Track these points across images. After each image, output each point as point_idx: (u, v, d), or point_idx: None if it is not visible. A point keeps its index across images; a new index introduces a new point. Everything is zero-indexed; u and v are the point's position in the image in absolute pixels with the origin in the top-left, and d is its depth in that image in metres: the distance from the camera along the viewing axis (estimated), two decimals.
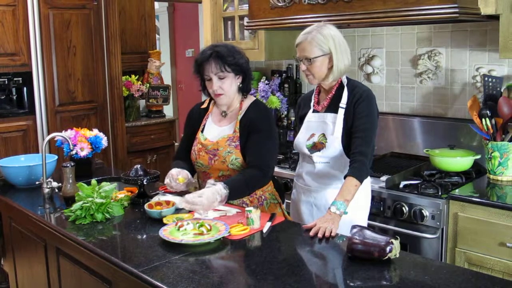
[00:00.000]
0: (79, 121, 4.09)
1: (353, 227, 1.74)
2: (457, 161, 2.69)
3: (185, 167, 2.35)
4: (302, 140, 2.35)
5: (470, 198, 2.40)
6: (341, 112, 2.24)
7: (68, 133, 2.80)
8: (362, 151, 2.14)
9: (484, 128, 2.63)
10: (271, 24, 3.06)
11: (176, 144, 4.78)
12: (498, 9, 2.43)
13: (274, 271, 1.63)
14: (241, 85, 2.35)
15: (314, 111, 2.36)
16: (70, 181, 2.37)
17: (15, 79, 3.76)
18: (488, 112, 2.61)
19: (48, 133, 3.83)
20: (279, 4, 2.97)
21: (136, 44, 4.81)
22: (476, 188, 2.58)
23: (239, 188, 2.20)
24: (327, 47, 2.19)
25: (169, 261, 1.72)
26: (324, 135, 2.28)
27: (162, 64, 4.93)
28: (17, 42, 3.72)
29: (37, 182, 2.53)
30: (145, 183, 2.34)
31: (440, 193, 2.49)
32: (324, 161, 2.28)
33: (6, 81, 3.73)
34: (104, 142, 2.89)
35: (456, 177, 2.67)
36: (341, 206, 2.01)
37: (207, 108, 2.49)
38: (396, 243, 1.67)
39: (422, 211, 2.49)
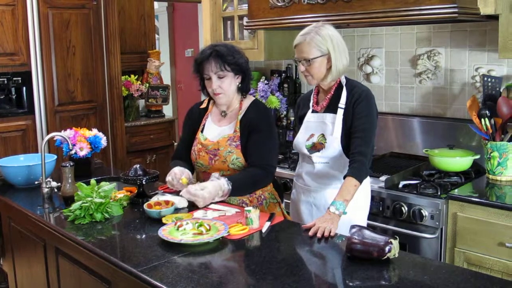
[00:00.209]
0: (79, 121, 4.09)
1: (352, 227, 1.74)
2: (456, 161, 2.69)
3: (184, 166, 2.35)
4: (301, 140, 2.35)
5: (469, 198, 2.40)
6: (340, 112, 2.24)
7: (67, 133, 2.80)
8: (361, 151, 2.14)
9: (483, 128, 2.63)
10: (271, 24, 3.06)
11: (176, 144, 4.78)
12: (498, 9, 2.43)
13: (273, 271, 1.63)
14: (240, 85, 2.35)
15: (313, 111, 2.36)
16: (69, 181, 2.37)
17: (14, 78, 3.76)
18: (487, 112, 2.61)
19: (48, 133, 3.83)
20: (279, 4, 2.97)
21: (135, 44, 4.81)
22: (475, 188, 2.58)
23: (242, 185, 2.21)
24: (325, 48, 2.19)
25: (168, 261, 1.72)
26: (323, 135, 2.28)
27: (161, 64, 4.93)
28: (17, 41, 3.72)
29: (36, 182, 2.52)
30: (144, 183, 2.34)
31: (439, 193, 2.49)
32: (324, 161, 2.28)
33: (6, 81, 3.73)
34: (104, 142, 2.89)
35: (455, 177, 2.67)
36: (340, 206, 2.01)
37: (206, 108, 2.49)
38: (395, 243, 1.67)
39: (421, 211, 2.49)
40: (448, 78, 3.04)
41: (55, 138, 2.87)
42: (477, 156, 2.71)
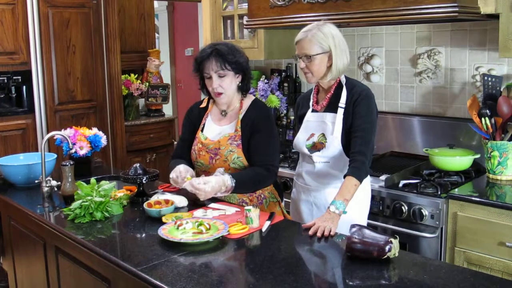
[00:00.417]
0: (79, 120, 4.09)
1: (352, 226, 1.74)
2: (456, 160, 2.69)
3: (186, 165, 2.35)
4: (301, 140, 2.35)
5: (469, 198, 2.40)
6: (340, 112, 2.24)
7: (68, 132, 2.80)
8: (361, 150, 2.14)
9: (483, 128, 2.63)
10: (271, 23, 3.06)
11: (176, 143, 4.78)
12: (498, 8, 2.43)
13: (273, 270, 1.62)
14: (240, 84, 2.35)
15: (313, 110, 2.36)
16: (69, 180, 2.37)
17: (14, 77, 3.75)
18: (487, 111, 2.60)
19: (47, 132, 3.83)
20: (279, 3, 2.96)
21: (135, 43, 4.80)
22: (475, 188, 2.58)
23: (245, 183, 2.22)
24: (327, 45, 2.19)
25: (168, 260, 1.72)
26: (323, 135, 2.28)
27: (161, 63, 4.92)
28: (17, 40, 3.72)
29: (36, 181, 2.52)
30: (144, 182, 2.34)
31: (439, 193, 2.49)
32: (324, 160, 2.28)
33: (6, 80, 3.72)
34: (103, 141, 2.89)
35: (455, 177, 2.67)
36: (340, 205, 2.01)
37: (206, 108, 2.49)
38: (395, 243, 1.67)
39: (422, 210, 2.49)
40: (448, 77, 3.03)
41: (55, 137, 2.87)
42: (477, 156, 2.70)
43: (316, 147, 2.29)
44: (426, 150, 2.83)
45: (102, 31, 4.19)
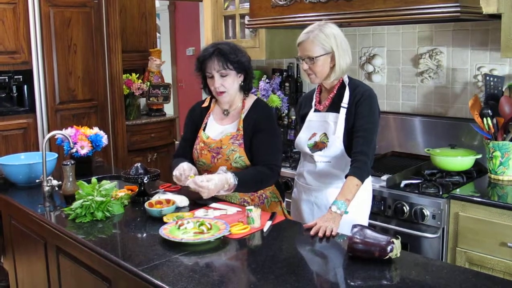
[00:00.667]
0: (80, 119, 4.09)
1: (354, 226, 1.74)
2: (458, 160, 2.68)
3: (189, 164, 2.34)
4: (303, 139, 2.35)
5: (471, 198, 2.39)
6: (343, 111, 2.23)
7: (69, 131, 2.79)
8: (363, 150, 2.14)
9: (485, 128, 2.63)
10: (272, 22, 3.06)
11: (177, 142, 4.78)
12: (500, 8, 2.42)
13: (275, 270, 1.62)
14: (242, 84, 2.35)
15: (315, 110, 2.36)
16: (70, 179, 2.37)
17: (15, 77, 3.75)
18: (489, 111, 2.60)
19: (49, 131, 3.83)
20: (280, 3, 2.96)
21: (136, 42, 4.80)
22: (477, 188, 2.58)
23: (248, 182, 2.22)
24: (329, 46, 2.18)
25: (169, 260, 1.72)
26: (325, 134, 2.27)
27: (162, 62, 4.92)
28: (18, 40, 3.72)
29: (37, 180, 2.52)
30: (145, 181, 2.34)
31: (441, 193, 2.49)
32: (326, 160, 2.28)
33: (7, 79, 3.72)
34: (105, 140, 2.89)
35: (457, 177, 2.67)
36: (342, 205, 2.01)
37: (208, 107, 2.48)
38: (397, 243, 1.66)
39: (423, 210, 2.49)
40: (450, 77, 3.03)
41: (56, 137, 2.86)
42: (479, 156, 2.70)
43: (317, 146, 2.29)
44: (428, 150, 2.82)
45: (103, 30, 4.19)
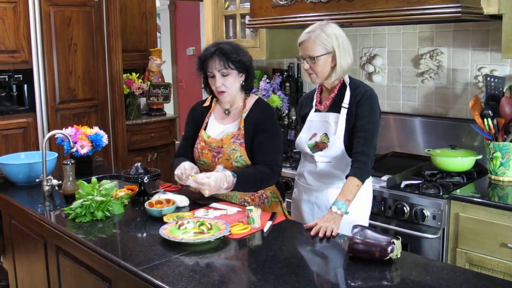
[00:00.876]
0: (80, 118, 4.09)
1: (354, 226, 1.74)
2: (458, 161, 2.68)
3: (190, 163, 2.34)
4: (304, 139, 2.35)
5: (471, 199, 2.39)
6: (344, 112, 2.23)
7: (69, 131, 2.79)
8: (364, 151, 2.13)
9: (486, 128, 2.62)
10: (273, 22, 3.05)
11: (177, 142, 4.77)
12: (501, 9, 2.42)
13: (275, 271, 1.62)
14: (244, 83, 2.35)
15: (316, 110, 2.35)
16: (70, 179, 2.37)
17: (15, 76, 3.75)
18: (490, 112, 2.60)
19: (49, 131, 3.82)
20: (281, 3, 2.96)
21: (137, 42, 4.80)
22: (477, 189, 2.57)
23: (248, 180, 2.22)
24: (330, 46, 2.18)
25: (169, 259, 1.72)
26: (326, 134, 2.27)
27: (163, 62, 4.92)
28: (18, 39, 3.71)
29: (37, 180, 2.52)
30: (145, 181, 2.34)
31: (441, 193, 2.48)
32: (326, 160, 2.28)
33: (7, 78, 3.72)
34: (105, 140, 2.88)
35: (457, 177, 2.66)
36: (342, 206, 2.01)
37: (209, 106, 2.48)
38: (398, 243, 1.66)
39: (423, 211, 2.48)
40: (450, 77, 3.03)
41: (56, 136, 2.86)
42: (480, 156, 2.70)
43: (318, 146, 2.28)
44: (428, 150, 2.82)
45: (103, 29, 4.19)
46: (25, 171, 2.63)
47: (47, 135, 2.56)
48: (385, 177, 2.66)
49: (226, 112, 2.41)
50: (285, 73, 3.74)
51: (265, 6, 3.05)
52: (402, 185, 2.62)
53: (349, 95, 2.24)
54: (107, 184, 2.25)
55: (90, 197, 2.14)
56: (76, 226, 2.06)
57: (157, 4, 5.57)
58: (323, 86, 2.36)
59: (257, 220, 1.99)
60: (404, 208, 2.54)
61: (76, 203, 2.14)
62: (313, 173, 2.33)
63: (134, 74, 4.63)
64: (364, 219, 2.32)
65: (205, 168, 2.39)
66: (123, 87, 4.41)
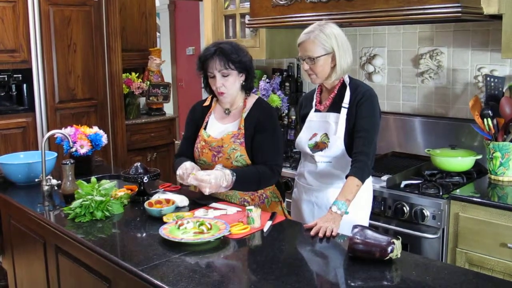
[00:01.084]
0: (79, 118, 4.08)
1: (354, 227, 1.73)
2: (458, 161, 2.68)
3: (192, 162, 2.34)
4: (304, 139, 2.34)
5: (471, 199, 2.39)
6: (344, 112, 2.23)
7: (68, 130, 2.78)
8: (364, 151, 2.13)
9: (485, 128, 2.62)
10: (273, 22, 3.05)
11: (177, 142, 4.77)
12: (501, 9, 2.42)
13: (275, 271, 1.62)
14: (244, 83, 2.35)
15: (316, 110, 2.35)
16: (70, 178, 2.36)
17: (15, 75, 3.74)
18: (490, 112, 2.60)
19: (48, 130, 3.82)
20: (281, 2, 2.96)
21: (136, 41, 4.79)
22: (477, 189, 2.57)
23: (247, 179, 2.23)
24: (330, 46, 2.18)
25: (169, 259, 1.71)
26: (326, 135, 2.27)
27: (162, 62, 4.91)
28: (17, 38, 3.71)
29: (36, 180, 2.52)
30: (145, 181, 2.33)
31: (441, 193, 2.48)
32: (326, 160, 2.28)
33: (6, 78, 3.72)
34: (104, 139, 2.88)
35: (457, 177, 2.66)
36: (342, 206, 2.00)
37: (209, 106, 2.48)
38: (398, 243, 1.66)
39: (423, 211, 2.48)
40: (450, 77, 3.02)
41: (55, 136, 2.85)
42: (479, 156, 2.70)
43: (318, 146, 2.28)
44: (428, 150, 2.82)
45: (103, 29, 4.18)
46: (25, 171, 2.63)
47: (47, 135, 2.56)
48: (385, 177, 2.66)
49: (226, 111, 2.41)
50: (284, 73, 3.74)
51: (265, 6, 3.05)
52: (402, 185, 2.62)
53: (349, 95, 2.24)
54: (106, 184, 2.24)
55: (90, 197, 2.13)
56: (75, 226, 2.06)
57: (157, 3, 5.57)
58: (323, 86, 2.35)
59: (257, 220, 1.98)
60: (404, 208, 2.54)
61: (75, 203, 2.14)
62: (313, 173, 2.33)
63: (133, 73, 4.62)
64: (364, 219, 2.32)
65: (205, 167, 2.38)
66: (123, 87, 4.41)
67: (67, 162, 2.37)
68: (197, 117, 2.48)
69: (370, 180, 2.31)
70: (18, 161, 2.73)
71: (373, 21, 2.69)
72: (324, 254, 1.86)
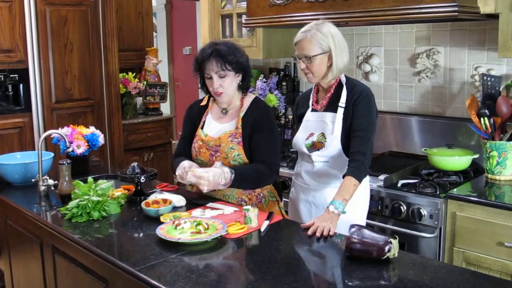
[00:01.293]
0: (76, 118, 4.07)
1: (352, 226, 1.73)
2: (455, 160, 2.68)
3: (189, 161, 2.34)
4: (301, 139, 2.34)
5: (468, 198, 2.39)
6: (340, 111, 2.23)
7: (65, 131, 2.78)
8: (360, 150, 2.13)
9: (482, 127, 2.63)
10: (269, 22, 3.05)
11: (174, 142, 4.77)
12: (498, 8, 2.42)
13: (272, 270, 1.62)
14: (241, 83, 2.35)
15: (313, 110, 2.35)
16: (67, 178, 2.36)
17: (11, 75, 3.73)
18: (486, 111, 2.60)
19: (45, 130, 3.81)
20: (278, 2, 2.95)
21: (133, 41, 4.79)
22: (474, 188, 2.58)
23: (246, 178, 2.23)
24: (326, 45, 2.18)
25: (166, 259, 1.71)
26: (323, 134, 2.27)
27: (159, 61, 4.91)
28: (14, 38, 3.70)
29: (33, 180, 2.51)
30: (142, 181, 2.33)
31: (438, 192, 2.48)
32: (323, 160, 2.28)
33: (2, 78, 3.70)
34: (101, 139, 2.87)
35: (454, 176, 2.67)
36: (339, 205, 2.00)
37: (206, 105, 2.48)
38: (395, 243, 1.66)
39: (420, 210, 2.48)
40: (447, 77, 3.03)
41: (52, 136, 2.85)
42: (476, 156, 2.70)
43: (315, 146, 2.28)
44: (425, 149, 2.82)
45: (99, 29, 4.17)
46: (21, 171, 2.62)
47: (43, 135, 2.56)
48: (382, 176, 2.66)
49: (224, 111, 2.41)
50: (281, 73, 3.74)
51: (262, 6, 3.05)
52: (399, 184, 2.62)
53: (345, 95, 2.24)
54: (103, 184, 2.24)
55: (86, 197, 2.13)
56: (72, 226, 2.05)
57: (154, 3, 5.57)
58: (319, 85, 2.35)
59: (254, 220, 1.98)
60: (401, 207, 2.55)
61: (72, 203, 2.13)
62: (310, 172, 2.33)
63: (130, 73, 4.62)
64: (361, 219, 2.32)
65: (203, 167, 2.38)
66: (120, 87, 4.40)
67: (64, 162, 2.36)
68: (194, 116, 2.47)
69: (367, 179, 2.31)
70: (14, 161, 2.72)
71: (370, 20, 2.69)
72: (321, 254, 1.86)
